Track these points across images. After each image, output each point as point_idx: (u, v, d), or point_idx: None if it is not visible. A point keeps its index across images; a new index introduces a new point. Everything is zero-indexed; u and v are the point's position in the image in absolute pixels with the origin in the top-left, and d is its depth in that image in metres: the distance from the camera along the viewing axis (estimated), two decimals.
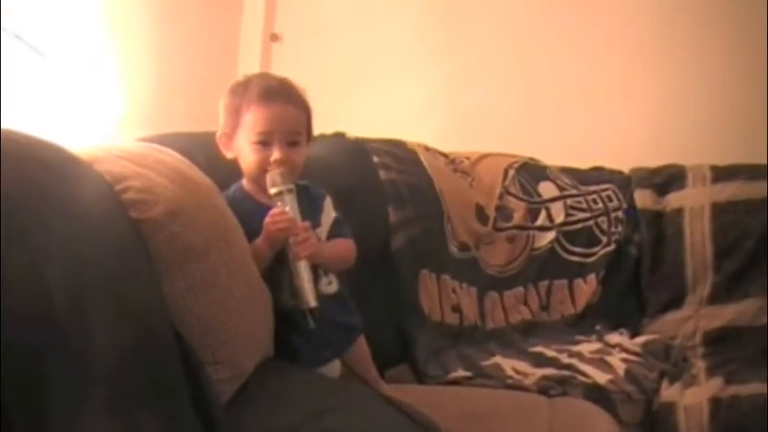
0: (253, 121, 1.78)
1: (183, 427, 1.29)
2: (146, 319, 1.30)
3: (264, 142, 1.78)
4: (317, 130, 1.97)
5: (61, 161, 1.33)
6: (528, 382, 2.21)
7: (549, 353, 2.41)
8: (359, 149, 2.61)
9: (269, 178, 1.76)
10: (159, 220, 1.43)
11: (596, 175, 2.95)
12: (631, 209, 2.85)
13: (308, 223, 1.77)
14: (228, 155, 1.85)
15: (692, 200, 2.80)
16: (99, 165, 1.44)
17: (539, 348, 2.45)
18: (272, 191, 1.76)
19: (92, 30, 2.15)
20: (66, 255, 1.15)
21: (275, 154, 1.77)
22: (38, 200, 1.16)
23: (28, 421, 0.99)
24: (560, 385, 2.18)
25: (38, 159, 1.25)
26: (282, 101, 1.79)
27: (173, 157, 1.65)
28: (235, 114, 1.81)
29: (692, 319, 2.67)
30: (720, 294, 2.69)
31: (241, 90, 1.82)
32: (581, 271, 2.79)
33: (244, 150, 1.81)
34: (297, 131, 1.81)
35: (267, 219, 1.73)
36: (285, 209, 1.74)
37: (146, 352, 1.26)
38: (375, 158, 2.59)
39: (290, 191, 1.76)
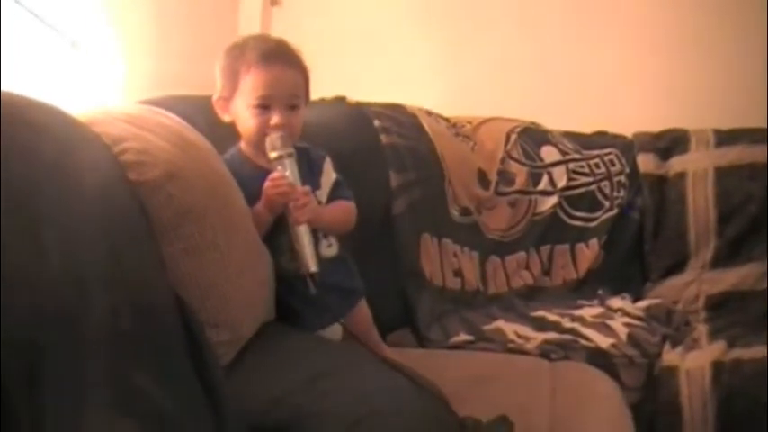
0: (252, 84, 1.76)
1: (184, 390, 1.29)
2: (144, 281, 1.29)
3: (264, 106, 1.76)
4: (318, 94, 1.95)
5: (58, 123, 1.32)
6: (530, 346, 2.21)
7: (551, 317, 2.41)
8: (359, 114, 2.59)
9: (269, 142, 1.74)
10: (157, 182, 1.42)
11: (599, 140, 2.94)
12: (634, 173, 2.83)
13: (308, 188, 1.75)
14: (225, 118, 1.83)
15: (695, 164, 2.79)
16: (97, 127, 1.43)
17: (540, 313, 2.45)
18: (272, 155, 1.74)
19: None
20: (63, 217, 1.14)
21: (275, 118, 1.75)
22: (34, 162, 1.15)
23: (25, 389, 0.98)
24: (562, 349, 2.18)
25: (34, 121, 1.24)
26: (282, 64, 1.77)
27: (172, 120, 1.64)
28: (233, 77, 1.79)
29: (694, 284, 2.67)
30: (723, 259, 2.69)
31: (238, 52, 1.79)
32: (583, 235, 2.79)
33: (242, 114, 1.79)
34: (296, 95, 1.79)
35: (267, 183, 1.72)
36: (285, 173, 1.73)
37: (144, 314, 1.25)
38: (376, 123, 2.57)
39: (289, 155, 1.74)
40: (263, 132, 1.75)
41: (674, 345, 2.26)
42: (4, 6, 1.72)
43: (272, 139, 1.73)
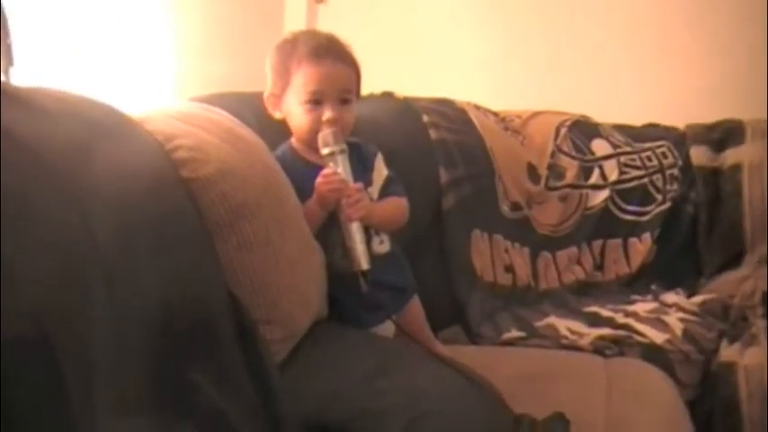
0: (304, 79, 1.75)
1: (239, 388, 1.29)
2: (197, 278, 1.30)
3: (316, 101, 1.75)
4: (365, 90, 1.94)
5: (111, 121, 1.32)
6: (583, 342, 2.17)
7: (605, 313, 2.37)
8: (408, 109, 2.58)
9: (321, 138, 1.73)
10: (210, 179, 1.42)
11: (650, 132, 2.89)
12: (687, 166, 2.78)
13: (360, 184, 1.74)
14: (277, 115, 1.82)
15: (751, 156, 2.73)
16: (149, 124, 1.43)
17: (593, 308, 2.42)
18: (325, 151, 1.73)
19: None
20: (116, 214, 1.14)
21: (327, 113, 1.74)
22: (86, 159, 1.15)
23: (76, 377, 0.98)
24: (616, 345, 2.15)
25: (88, 119, 1.25)
26: (333, 58, 1.76)
27: (223, 116, 1.64)
28: (284, 73, 1.78)
29: (750, 279, 2.60)
30: None
31: (289, 48, 1.79)
32: (635, 230, 2.75)
33: (294, 110, 1.78)
34: (348, 89, 1.78)
35: (319, 179, 1.71)
36: (337, 169, 1.72)
37: (197, 310, 1.25)
38: (425, 118, 2.56)
39: (342, 151, 1.73)
40: (315, 128, 1.74)
41: (732, 340, 2.21)
42: (59, 5, 1.73)
43: (325, 134, 1.72)
